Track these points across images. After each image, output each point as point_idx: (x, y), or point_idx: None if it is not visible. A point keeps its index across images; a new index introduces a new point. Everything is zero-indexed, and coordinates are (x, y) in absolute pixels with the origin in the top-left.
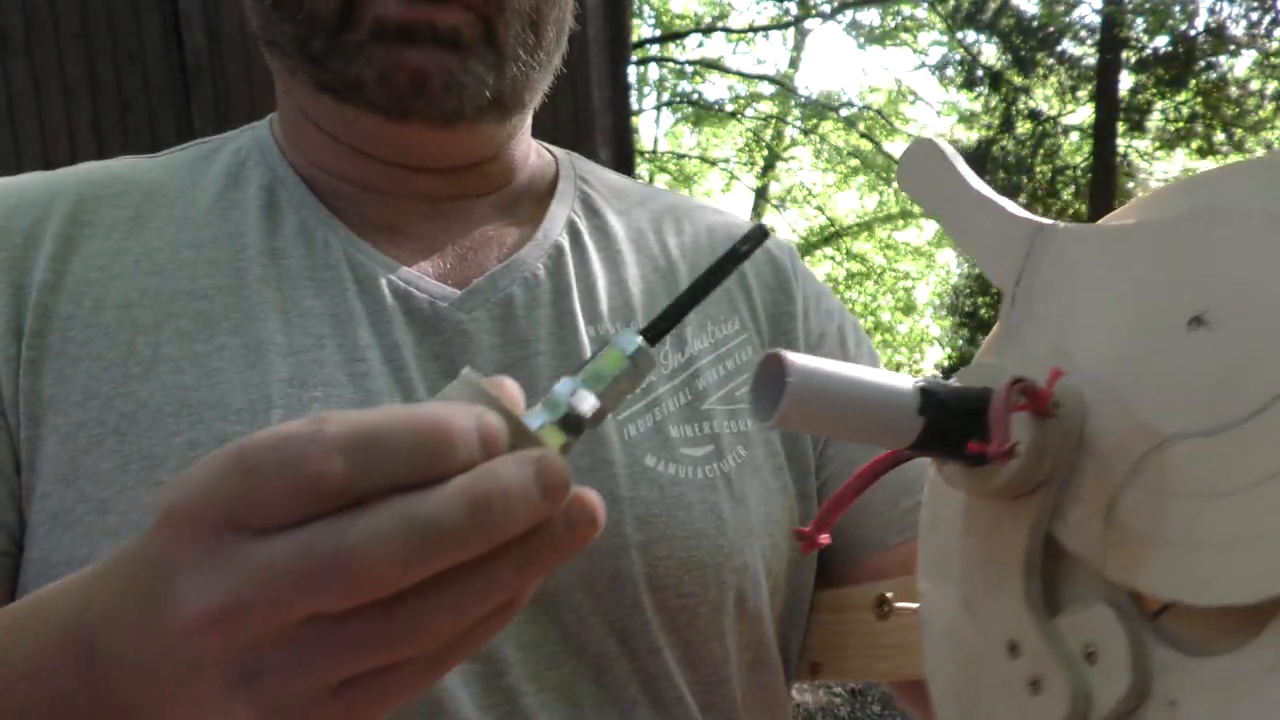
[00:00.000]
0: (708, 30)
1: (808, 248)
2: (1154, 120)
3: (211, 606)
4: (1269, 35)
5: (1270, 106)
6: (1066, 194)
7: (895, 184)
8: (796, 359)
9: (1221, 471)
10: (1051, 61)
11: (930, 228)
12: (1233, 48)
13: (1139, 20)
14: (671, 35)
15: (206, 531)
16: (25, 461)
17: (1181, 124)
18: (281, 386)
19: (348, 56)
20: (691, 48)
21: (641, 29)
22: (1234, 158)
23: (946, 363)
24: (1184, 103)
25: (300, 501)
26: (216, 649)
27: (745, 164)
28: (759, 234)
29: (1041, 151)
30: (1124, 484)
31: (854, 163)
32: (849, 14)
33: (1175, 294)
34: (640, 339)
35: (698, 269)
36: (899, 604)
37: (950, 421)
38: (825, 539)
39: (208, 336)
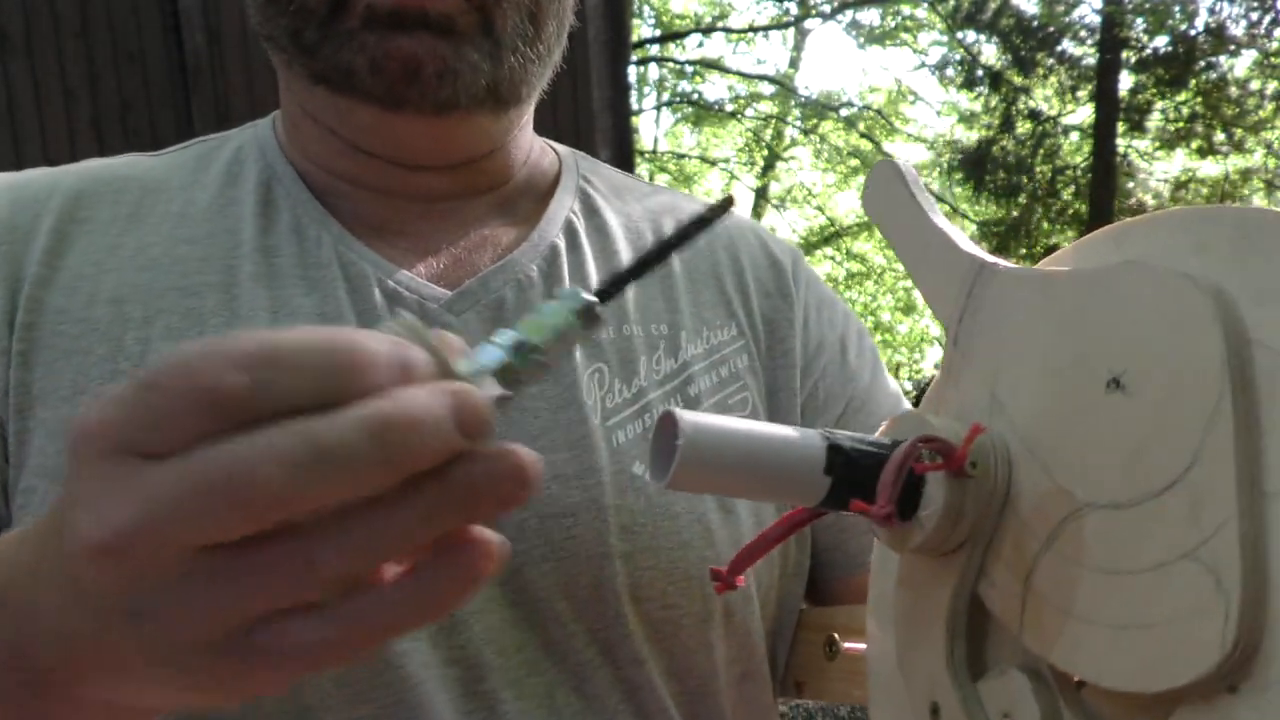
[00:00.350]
0: (708, 30)
1: (808, 248)
2: (1154, 120)
3: (99, 534)
4: (1269, 35)
5: (1270, 106)
6: (1066, 194)
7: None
8: (689, 418)
9: (1128, 548)
10: (1051, 61)
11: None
12: (1233, 48)
13: (1139, 20)
14: (671, 35)
15: (105, 455)
16: (15, 455)
17: (1181, 124)
18: None
19: (339, 43)
20: (691, 48)
21: (641, 29)
22: (1234, 158)
23: None
24: (1184, 103)
25: (196, 417)
26: (104, 583)
27: (745, 164)
28: (725, 204)
29: (1041, 151)
30: (1042, 550)
31: (854, 163)
32: (849, 14)
33: (1098, 352)
34: (590, 296)
35: (693, 268)
36: (846, 645)
37: (858, 478)
38: (740, 581)
39: (196, 333)
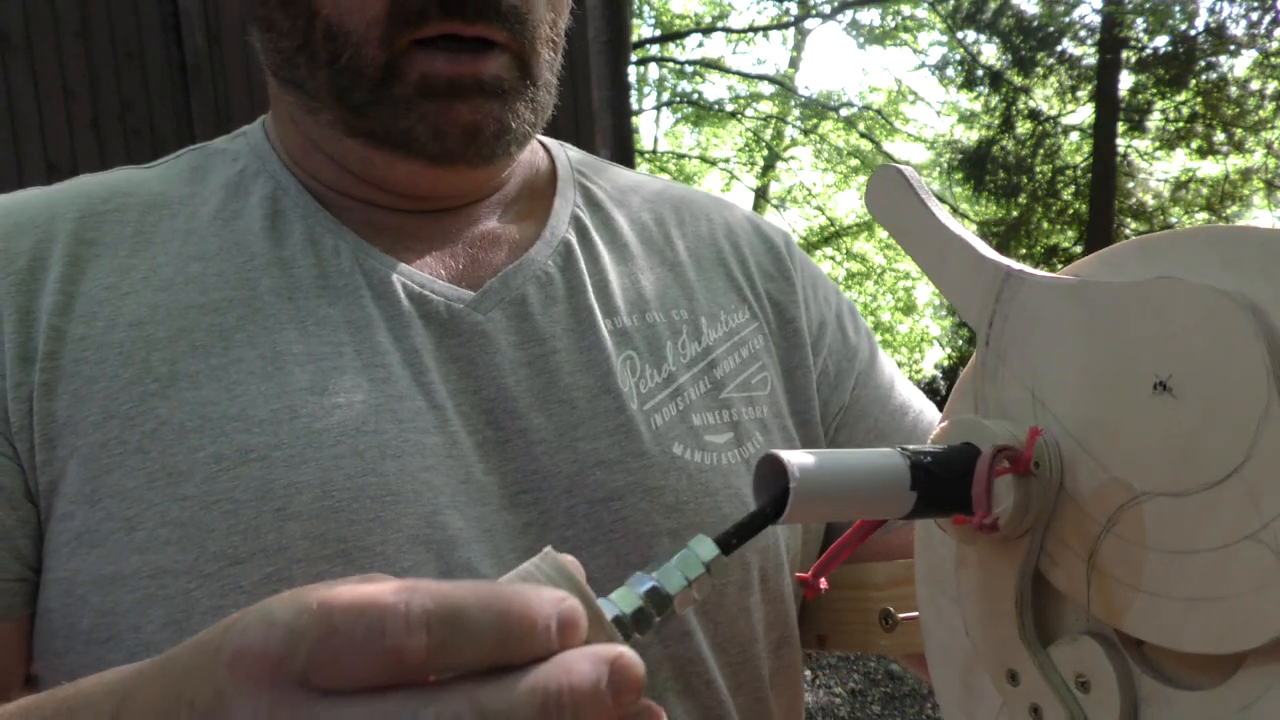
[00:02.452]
0: (708, 30)
1: (808, 248)
2: (1154, 120)
3: None
4: (1269, 35)
5: (1270, 106)
6: (1066, 194)
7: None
8: (795, 461)
9: (1191, 531)
10: (1051, 61)
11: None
12: (1233, 48)
13: (1139, 20)
14: (671, 35)
15: (277, 683)
16: (46, 484)
17: (1181, 124)
18: (303, 395)
19: (396, 110)
20: (691, 48)
21: (641, 29)
22: (1234, 158)
23: (947, 363)
24: (1184, 103)
25: (378, 671)
26: None
27: (745, 164)
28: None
29: (1041, 151)
30: (1103, 534)
31: (854, 163)
32: (849, 14)
33: (1141, 358)
34: (717, 549)
35: (699, 256)
36: (902, 615)
37: (940, 490)
38: (824, 584)
39: (223, 349)
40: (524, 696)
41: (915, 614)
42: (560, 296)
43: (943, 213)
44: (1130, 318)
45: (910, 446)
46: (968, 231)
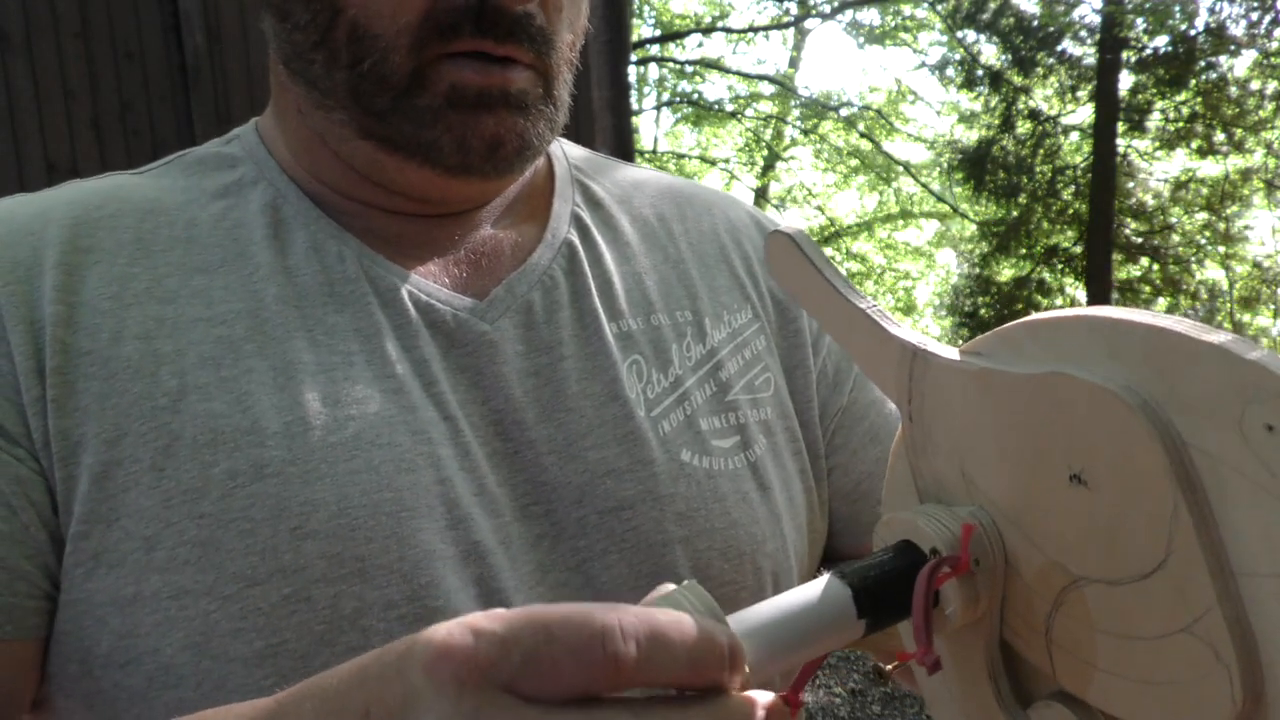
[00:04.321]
0: (708, 30)
1: None
2: (1154, 120)
3: None
4: (1269, 35)
5: (1270, 106)
6: (1066, 194)
7: (895, 184)
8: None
9: (1131, 619)
10: (1051, 61)
11: (931, 227)
12: (1233, 48)
13: (1139, 20)
14: (671, 35)
15: (483, 686)
16: (62, 503)
17: (1181, 124)
18: (315, 407)
19: (420, 120)
20: (691, 48)
21: (641, 29)
22: (1234, 158)
23: None
24: (1184, 103)
25: (589, 677)
26: None
27: (745, 164)
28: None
29: (1041, 151)
30: (1053, 611)
31: (854, 163)
32: (849, 14)
33: (1050, 449)
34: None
35: (703, 254)
36: (890, 666)
37: (889, 608)
38: (797, 701)
39: (233, 361)
40: None
41: (903, 665)
42: (565, 301)
43: (841, 281)
44: (1035, 410)
45: (848, 568)
46: (870, 302)
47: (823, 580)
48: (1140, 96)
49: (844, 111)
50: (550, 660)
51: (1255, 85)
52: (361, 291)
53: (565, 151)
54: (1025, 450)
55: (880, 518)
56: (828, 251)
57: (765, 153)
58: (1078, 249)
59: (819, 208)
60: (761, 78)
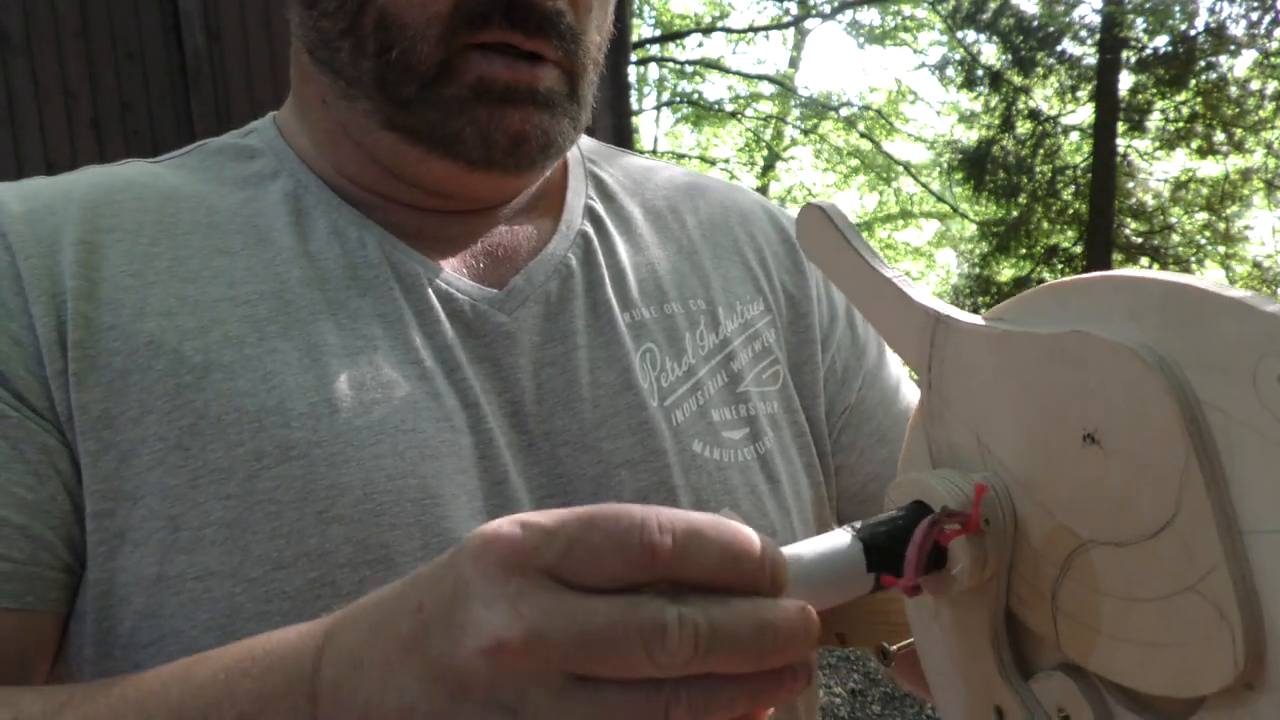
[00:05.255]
0: (708, 30)
1: None
2: (1154, 120)
3: (508, 633)
4: (1269, 35)
5: (1270, 106)
6: (1066, 194)
7: (895, 184)
8: None
9: (1137, 580)
10: (1051, 61)
11: (931, 227)
12: (1233, 48)
13: (1139, 20)
14: (671, 35)
15: (527, 570)
16: (84, 477)
17: (1181, 124)
18: (342, 389)
19: (446, 111)
20: (691, 48)
21: (641, 29)
22: (1234, 158)
23: None
24: (1184, 103)
25: (629, 565)
26: (491, 677)
27: (745, 164)
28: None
29: (1041, 151)
30: (1059, 576)
31: (854, 163)
32: (849, 14)
33: (1065, 410)
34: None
35: (716, 244)
36: (896, 646)
37: (897, 564)
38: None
39: (257, 340)
40: (745, 615)
41: (910, 642)
42: (579, 291)
43: (870, 252)
44: (1052, 370)
45: (861, 524)
46: (896, 272)
47: (835, 533)
48: (1140, 96)
49: (844, 111)
50: (589, 546)
51: (1255, 85)
52: (384, 277)
53: (579, 144)
54: (1041, 412)
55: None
56: None
57: (765, 153)
58: (1078, 249)
59: None
60: (761, 78)
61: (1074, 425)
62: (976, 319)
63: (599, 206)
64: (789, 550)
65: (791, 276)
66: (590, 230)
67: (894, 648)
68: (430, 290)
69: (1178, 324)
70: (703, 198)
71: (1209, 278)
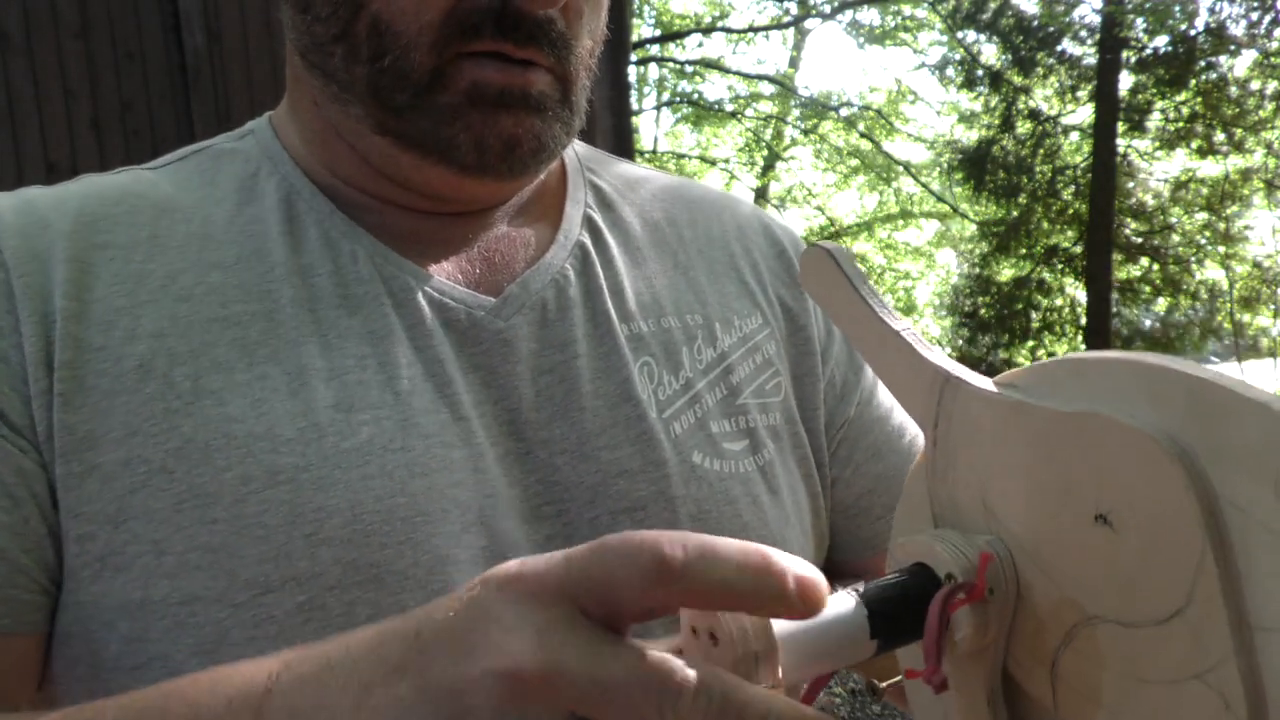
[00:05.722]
0: (708, 30)
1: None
2: (1154, 120)
3: (532, 664)
4: (1269, 35)
5: (1270, 106)
6: (1066, 194)
7: (895, 184)
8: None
9: (1144, 661)
10: (1051, 61)
11: (931, 227)
12: (1233, 48)
13: (1139, 20)
14: (671, 35)
15: (555, 600)
16: (62, 499)
17: (1181, 124)
18: (330, 413)
19: (439, 118)
20: (691, 48)
21: (641, 29)
22: (1234, 158)
23: None
24: (1184, 103)
25: (642, 582)
26: (498, 701)
27: (745, 164)
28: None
29: (1041, 151)
30: (1061, 646)
31: (854, 163)
32: (849, 14)
33: (1078, 488)
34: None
35: (711, 260)
36: (885, 684)
37: (901, 630)
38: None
39: (247, 365)
40: (762, 703)
41: (898, 680)
42: (578, 300)
43: (877, 301)
44: (1067, 447)
45: (865, 588)
46: (905, 324)
47: (839, 597)
48: (1140, 96)
49: (844, 111)
50: (605, 570)
51: (1255, 85)
52: (375, 293)
53: (576, 151)
54: (1051, 486)
55: (876, 532)
56: None
57: (765, 153)
58: (1078, 249)
59: (819, 208)
60: (761, 78)
61: (1086, 504)
62: (988, 383)
63: (598, 216)
64: (792, 626)
65: (788, 289)
66: (588, 241)
67: (883, 685)
68: (423, 301)
69: (1201, 417)
70: (699, 211)
71: (1234, 375)
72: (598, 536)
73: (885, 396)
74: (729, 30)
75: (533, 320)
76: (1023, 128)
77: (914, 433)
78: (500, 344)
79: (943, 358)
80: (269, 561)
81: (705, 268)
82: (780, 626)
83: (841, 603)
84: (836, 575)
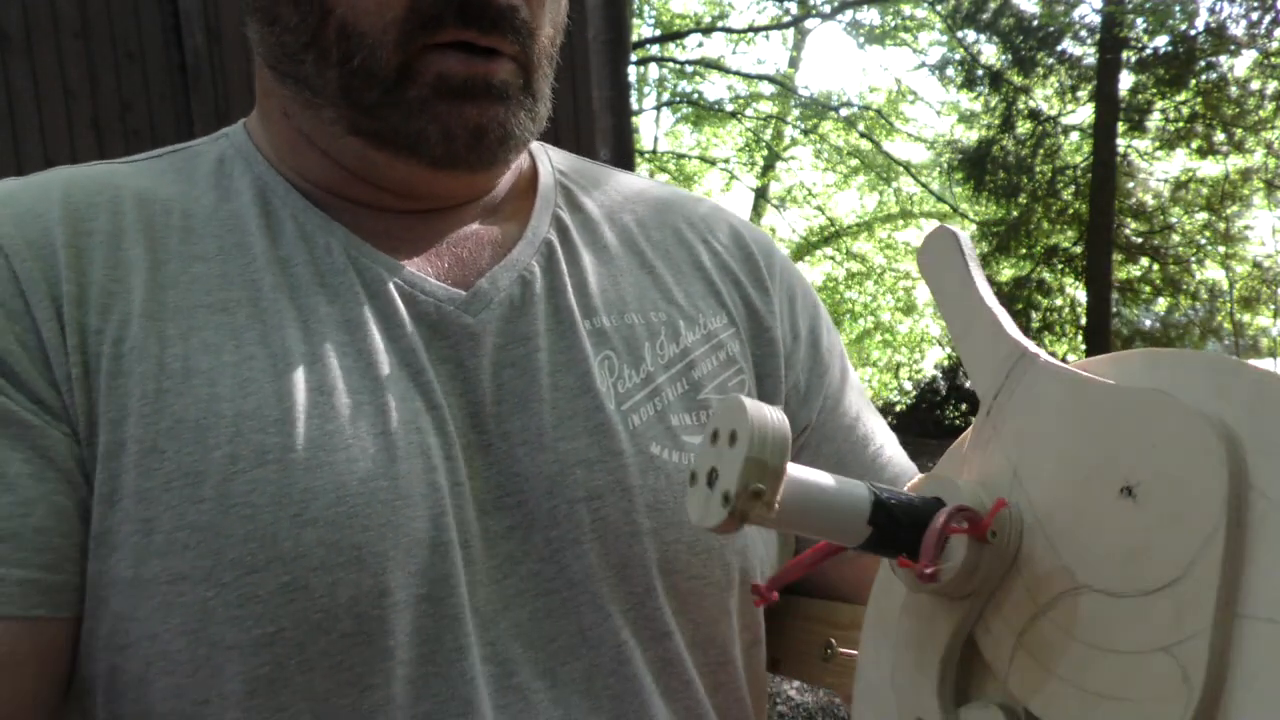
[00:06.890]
0: (708, 30)
1: (808, 248)
2: (1154, 120)
3: None
4: (1269, 35)
5: (1270, 106)
6: (1066, 194)
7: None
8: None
9: (1116, 632)
10: (1051, 61)
11: (931, 227)
12: (1233, 48)
13: (1139, 20)
14: (671, 35)
15: None
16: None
17: (1181, 124)
18: (314, 395)
19: (408, 111)
20: (691, 48)
21: (641, 29)
22: (1234, 158)
23: (946, 363)
24: (1184, 103)
25: None
26: None
27: (745, 164)
28: None
29: (1041, 151)
30: (1039, 614)
31: (854, 163)
32: (849, 14)
33: (1115, 460)
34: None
35: (677, 261)
36: (842, 650)
37: (895, 531)
38: (775, 596)
39: (235, 347)
40: None
41: (855, 652)
42: (541, 295)
43: (983, 283)
44: (1119, 420)
45: (880, 485)
46: (999, 306)
47: (855, 481)
48: (1140, 96)
49: (844, 111)
50: None
51: (1255, 85)
52: (349, 282)
53: (550, 157)
54: (1089, 456)
55: None
56: (827, 251)
57: (765, 153)
58: (1078, 249)
59: (819, 208)
60: (761, 78)
61: (1118, 475)
62: (1062, 364)
63: (566, 216)
64: (806, 471)
65: (755, 291)
66: (555, 239)
67: (839, 649)
68: (395, 293)
69: (1257, 409)
70: (667, 212)
71: None
72: (556, 526)
73: (849, 407)
74: (729, 30)
75: (500, 315)
76: (1023, 128)
77: (880, 443)
78: (468, 337)
79: (1025, 339)
80: (255, 541)
81: (672, 268)
82: (795, 468)
83: (855, 484)
84: (814, 583)
